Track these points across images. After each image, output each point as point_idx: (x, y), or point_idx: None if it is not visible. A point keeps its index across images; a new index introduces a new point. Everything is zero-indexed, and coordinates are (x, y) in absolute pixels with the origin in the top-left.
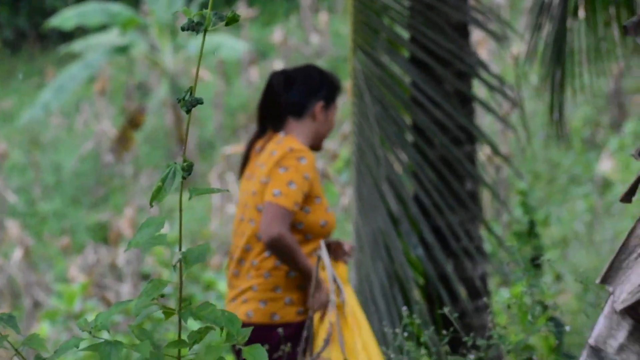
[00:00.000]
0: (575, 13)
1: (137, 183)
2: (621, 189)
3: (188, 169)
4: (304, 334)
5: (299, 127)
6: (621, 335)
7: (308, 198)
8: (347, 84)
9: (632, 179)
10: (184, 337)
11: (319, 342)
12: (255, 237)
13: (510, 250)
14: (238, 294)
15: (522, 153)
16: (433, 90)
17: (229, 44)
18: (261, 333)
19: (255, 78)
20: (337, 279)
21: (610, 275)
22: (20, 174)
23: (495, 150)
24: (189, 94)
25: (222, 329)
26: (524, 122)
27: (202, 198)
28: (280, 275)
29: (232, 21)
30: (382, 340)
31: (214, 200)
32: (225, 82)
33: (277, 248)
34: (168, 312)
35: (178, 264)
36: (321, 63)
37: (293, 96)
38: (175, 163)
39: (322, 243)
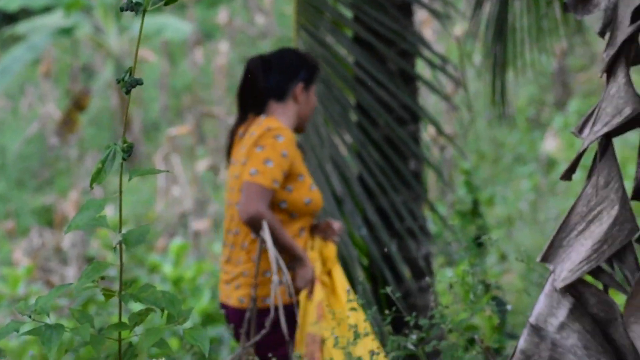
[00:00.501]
0: None
1: (82, 165)
2: (565, 167)
3: (128, 150)
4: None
5: (281, 109)
6: (561, 313)
7: (290, 176)
8: None
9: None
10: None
11: (309, 319)
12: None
13: (454, 229)
14: (231, 279)
15: (466, 133)
16: (377, 70)
17: (173, 25)
18: (256, 318)
19: (200, 59)
20: (280, 259)
21: (551, 253)
22: None
23: (439, 130)
24: (128, 74)
25: (162, 311)
26: (468, 101)
27: (147, 180)
28: (268, 259)
29: (171, 1)
30: None
31: (159, 182)
32: (170, 63)
33: (256, 226)
34: (108, 294)
35: (118, 246)
36: (266, 44)
37: (272, 80)
38: (115, 144)
39: (264, 224)
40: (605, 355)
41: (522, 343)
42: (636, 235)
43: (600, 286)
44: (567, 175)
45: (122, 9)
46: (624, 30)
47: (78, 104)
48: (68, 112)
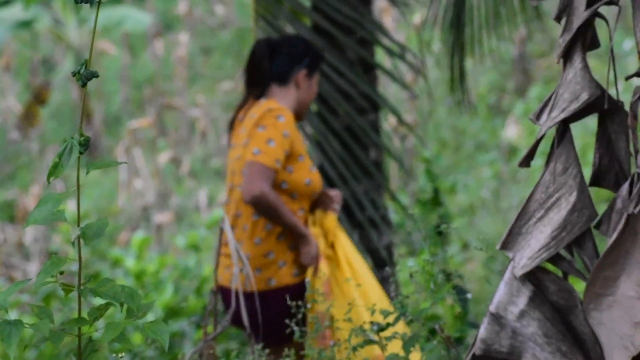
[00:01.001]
0: None
1: (43, 160)
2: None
3: (85, 144)
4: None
5: (281, 93)
6: (521, 301)
7: (290, 157)
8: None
9: None
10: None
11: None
12: (243, 201)
13: (415, 218)
14: (231, 264)
15: (427, 121)
16: (336, 59)
17: (133, 17)
18: (260, 301)
19: (161, 50)
20: (241, 253)
21: (510, 241)
22: None
23: (399, 119)
24: (84, 67)
25: (122, 305)
26: (429, 89)
27: (109, 173)
28: (271, 240)
29: None
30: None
31: (122, 175)
32: (130, 55)
33: (260, 205)
34: (67, 289)
35: (77, 241)
36: (226, 34)
37: (277, 64)
38: (73, 138)
39: (224, 215)
40: (565, 342)
41: (482, 332)
42: (595, 222)
43: (560, 273)
44: (526, 162)
45: (77, 2)
46: (580, 15)
47: (38, 98)
48: (28, 105)
